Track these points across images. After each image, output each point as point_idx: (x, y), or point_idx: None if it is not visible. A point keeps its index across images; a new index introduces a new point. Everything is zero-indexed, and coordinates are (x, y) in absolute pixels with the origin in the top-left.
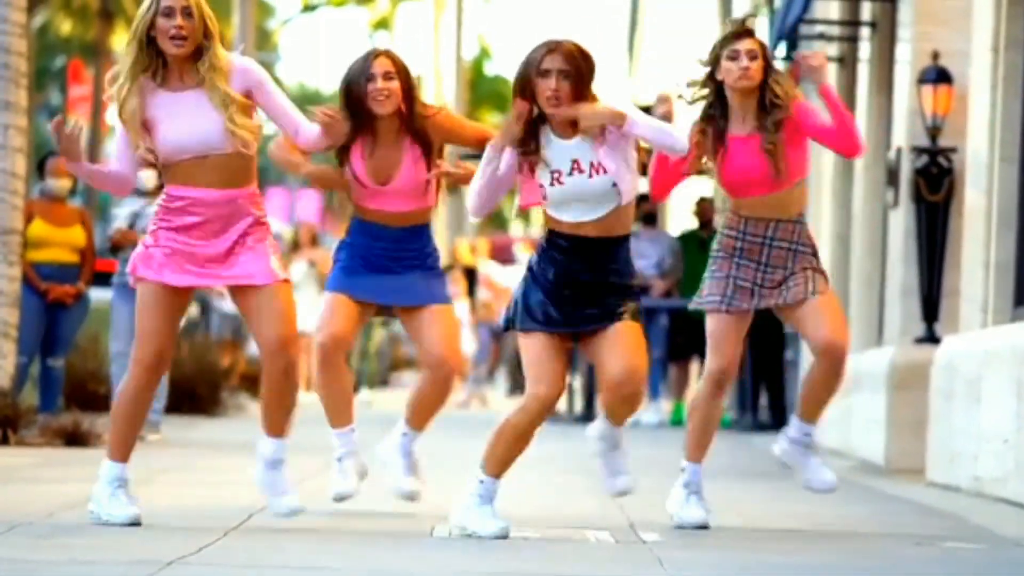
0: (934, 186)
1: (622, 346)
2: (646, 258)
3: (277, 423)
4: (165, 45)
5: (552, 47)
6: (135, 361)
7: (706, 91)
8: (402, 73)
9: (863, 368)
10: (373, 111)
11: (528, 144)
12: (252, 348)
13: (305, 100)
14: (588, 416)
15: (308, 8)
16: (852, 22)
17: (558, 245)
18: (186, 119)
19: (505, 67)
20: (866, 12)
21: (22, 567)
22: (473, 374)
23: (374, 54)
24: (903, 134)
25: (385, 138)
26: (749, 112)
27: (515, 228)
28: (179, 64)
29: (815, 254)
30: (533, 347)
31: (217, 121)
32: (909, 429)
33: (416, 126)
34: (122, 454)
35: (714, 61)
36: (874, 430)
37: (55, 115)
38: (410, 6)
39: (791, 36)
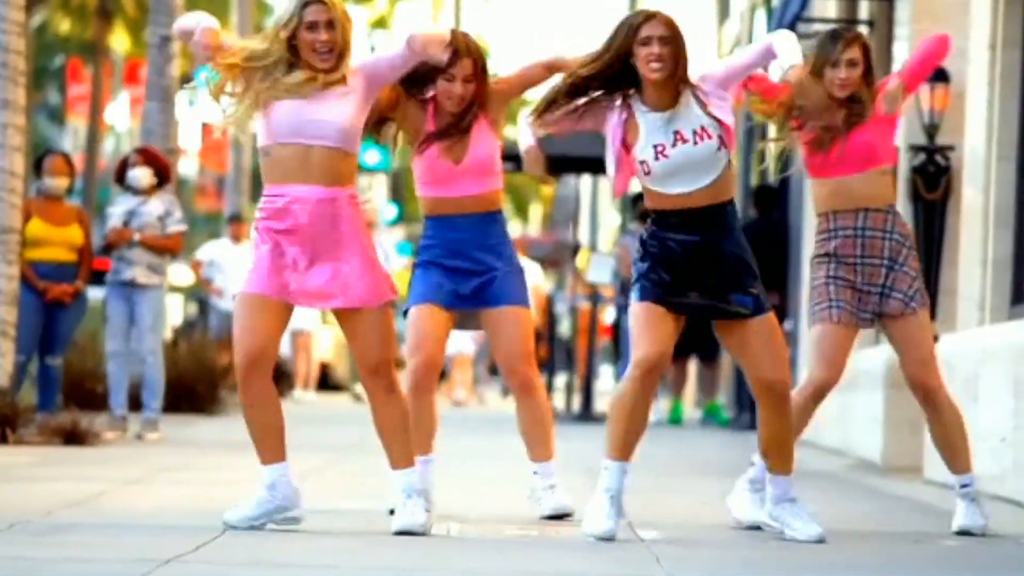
0: (931, 184)
1: (772, 345)
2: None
3: (396, 453)
4: (310, 57)
5: (650, 15)
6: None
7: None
8: (477, 63)
9: (861, 367)
10: (445, 107)
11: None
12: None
13: None
14: (586, 415)
15: None
16: (850, 20)
17: (669, 223)
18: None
19: (504, 66)
20: (864, 10)
21: (20, 565)
22: (472, 373)
23: (456, 54)
24: (900, 132)
25: (455, 122)
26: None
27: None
28: (325, 76)
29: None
30: (641, 313)
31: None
32: (907, 427)
33: (484, 103)
34: None
35: (820, 67)
36: (872, 428)
37: (54, 114)
38: (408, 5)
39: None
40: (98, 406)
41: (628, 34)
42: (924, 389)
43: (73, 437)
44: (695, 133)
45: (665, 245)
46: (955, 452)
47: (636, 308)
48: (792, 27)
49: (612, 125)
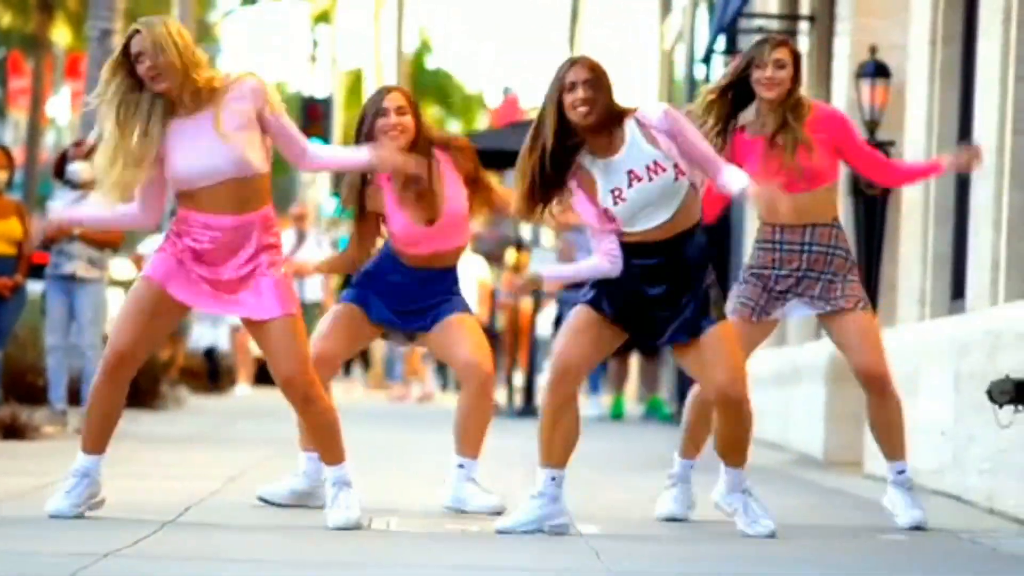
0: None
1: (723, 353)
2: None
3: (325, 455)
4: (148, 84)
5: (573, 61)
6: (103, 355)
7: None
8: (416, 108)
9: (802, 361)
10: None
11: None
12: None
13: None
14: (528, 410)
15: (249, 1)
16: (791, 16)
17: (635, 250)
18: (192, 147)
19: (446, 61)
20: (805, 5)
21: None
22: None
23: (386, 90)
24: None
25: (418, 173)
26: (771, 116)
27: None
28: (177, 94)
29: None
30: (576, 316)
31: (226, 145)
32: (847, 422)
33: (441, 146)
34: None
35: (745, 66)
36: (813, 423)
37: None
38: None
39: (730, 29)
40: (38, 400)
41: (555, 86)
42: (877, 377)
43: (12, 431)
44: (648, 169)
45: (627, 268)
46: (898, 438)
47: (576, 309)
48: (733, 22)
49: (578, 196)
